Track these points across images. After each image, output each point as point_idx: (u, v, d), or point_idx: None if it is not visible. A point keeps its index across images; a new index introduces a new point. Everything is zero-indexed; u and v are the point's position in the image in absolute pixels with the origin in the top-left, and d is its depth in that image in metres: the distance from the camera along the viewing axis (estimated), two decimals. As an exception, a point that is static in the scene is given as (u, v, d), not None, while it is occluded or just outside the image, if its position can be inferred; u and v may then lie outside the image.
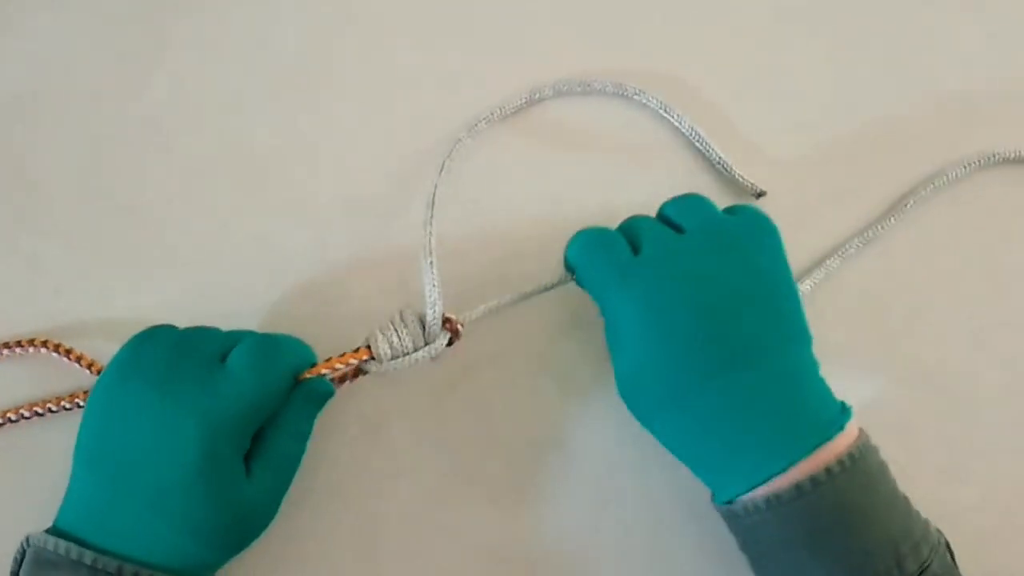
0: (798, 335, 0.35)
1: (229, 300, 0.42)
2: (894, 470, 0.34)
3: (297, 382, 0.36)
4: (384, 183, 0.44)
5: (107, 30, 0.45)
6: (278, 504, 0.35)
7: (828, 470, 0.31)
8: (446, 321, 0.37)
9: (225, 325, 0.38)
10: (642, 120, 0.45)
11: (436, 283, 0.36)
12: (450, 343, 0.37)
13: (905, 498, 0.34)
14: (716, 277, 0.34)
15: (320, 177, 0.44)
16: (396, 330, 0.36)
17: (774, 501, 0.32)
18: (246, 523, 0.34)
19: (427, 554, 0.39)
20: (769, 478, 0.32)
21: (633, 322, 0.34)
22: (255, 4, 0.46)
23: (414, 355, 0.36)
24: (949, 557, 0.33)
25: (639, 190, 0.44)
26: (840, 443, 0.33)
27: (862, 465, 0.32)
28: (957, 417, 0.42)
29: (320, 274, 0.42)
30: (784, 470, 0.32)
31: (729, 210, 0.37)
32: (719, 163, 0.44)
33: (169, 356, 0.34)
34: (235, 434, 0.34)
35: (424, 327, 0.36)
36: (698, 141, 0.44)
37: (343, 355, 0.36)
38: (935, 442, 0.42)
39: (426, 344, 0.36)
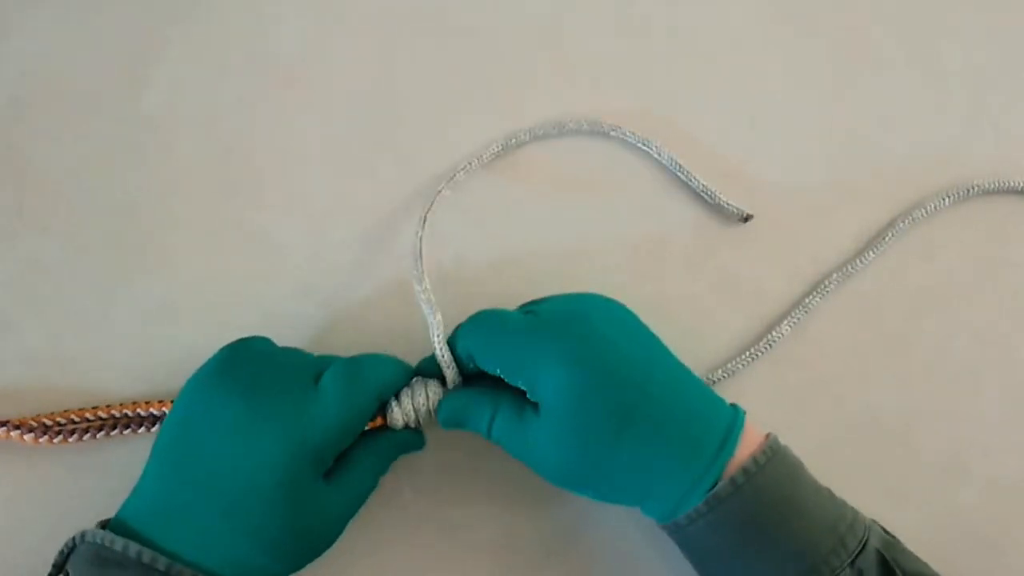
0: (661, 346, 0.36)
1: (229, 300, 0.42)
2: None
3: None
4: (385, 183, 0.44)
5: (107, 30, 0.45)
6: (344, 527, 0.35)
7: (755, 459, 0.32)
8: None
9: (224, 326, 0.37)
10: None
11: (444, 351, 0.36)
12: None
13: (828, 489, 0.35)
14: (603, 333, 0.34)
15: (319, 177, 0.44)
16: (412, 397, 0.36)
17: (713, 501, 0.32)
18: (316, 542, 0.35)
19: (429, 554, 0.39)
20: (709, 490, 0.32)
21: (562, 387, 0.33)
22: (254, 4, 0.46)
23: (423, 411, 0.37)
24: (884, 532, 0.34)
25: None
26: (758, 434, 0.34)
27: (783, 455, 0.33)
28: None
29: (319, 274, 0.42)
30: (720, 474, 0.33)
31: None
32: (703, 191, 0.44)
33: (263, 369, 0.34)
34: (321, 456, 0.34)
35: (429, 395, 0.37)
36: (679, 171, 0.44)
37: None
38: (931, 454, 0.42)
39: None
